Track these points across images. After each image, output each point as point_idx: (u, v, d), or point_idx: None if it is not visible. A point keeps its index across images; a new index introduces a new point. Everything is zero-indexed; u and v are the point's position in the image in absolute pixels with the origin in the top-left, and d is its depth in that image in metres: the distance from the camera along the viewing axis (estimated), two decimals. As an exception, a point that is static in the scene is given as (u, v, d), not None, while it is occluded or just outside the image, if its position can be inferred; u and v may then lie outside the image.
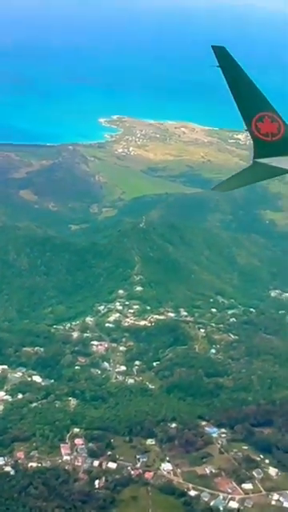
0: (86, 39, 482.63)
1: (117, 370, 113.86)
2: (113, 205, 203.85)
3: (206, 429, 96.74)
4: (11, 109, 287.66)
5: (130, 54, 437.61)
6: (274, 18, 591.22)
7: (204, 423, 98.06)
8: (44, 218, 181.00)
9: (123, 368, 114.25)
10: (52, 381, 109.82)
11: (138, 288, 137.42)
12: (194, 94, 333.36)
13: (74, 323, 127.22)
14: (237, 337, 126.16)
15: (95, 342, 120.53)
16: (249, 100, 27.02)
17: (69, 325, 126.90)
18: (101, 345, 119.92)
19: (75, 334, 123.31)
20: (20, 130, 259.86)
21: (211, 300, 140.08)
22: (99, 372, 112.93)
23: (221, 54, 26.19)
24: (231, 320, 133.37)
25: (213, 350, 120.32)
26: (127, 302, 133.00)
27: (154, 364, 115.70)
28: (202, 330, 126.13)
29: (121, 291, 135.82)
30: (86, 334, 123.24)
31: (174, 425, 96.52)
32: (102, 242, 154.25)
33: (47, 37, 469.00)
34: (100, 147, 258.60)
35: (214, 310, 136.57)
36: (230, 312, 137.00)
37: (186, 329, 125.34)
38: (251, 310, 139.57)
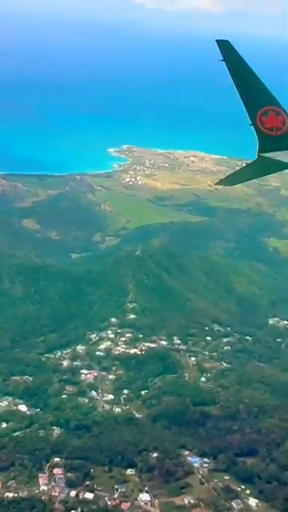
0: (95, 70, 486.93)
1: (104, 398, 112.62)
2: (116, 234, 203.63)
3: (188, 458, 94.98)
4: (21, 139, 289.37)
5: (139, 84, 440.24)
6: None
7: (186, 453, 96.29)
8: (45, 247, 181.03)
9: (111, 397, 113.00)
10: (38, 410, 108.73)
11: (132, 316, 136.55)
12: (203, 123, 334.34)
13: (64, 352, 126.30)
14: (229, 365, 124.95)
15: (84, 371, 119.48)
16: (253, 94, 27.00)
17: (59, 353, 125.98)
18: (90, 373, 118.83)
19: (65, 363, 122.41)
20: (29, 160, 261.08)
21: (206, 328, 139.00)
22: (86, 401, 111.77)
23: (225, 47, 26.34)
24: (225, 348, 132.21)
25: (203, 379, 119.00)
26: (119, 330, 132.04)
27: (142, 393, 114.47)
28: (193, 359, 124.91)
29: (113, 319, 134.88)
30: (75, 363, 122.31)
31: (155, 454, 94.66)
32: (97, 270, 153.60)
33: (57, 68, 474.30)
34: (108, 177, 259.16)
35: (208, 338, 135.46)
36: (225, 340, 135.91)
37: (177, 357, 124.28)
38: (247, 338, 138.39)
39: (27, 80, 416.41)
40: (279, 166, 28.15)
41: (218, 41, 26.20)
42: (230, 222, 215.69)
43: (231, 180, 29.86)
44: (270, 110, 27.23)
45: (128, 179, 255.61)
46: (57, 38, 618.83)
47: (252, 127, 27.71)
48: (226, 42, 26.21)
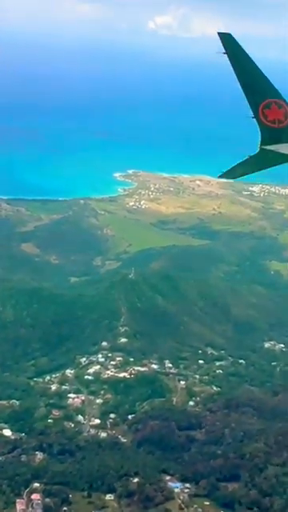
0: (104, 95, 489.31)
1: (91, 423, 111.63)
2: (117, 257, 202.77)
3: (170, 483, 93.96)
4: (26, 164, 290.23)
5: (148, 109, 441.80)
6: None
7: (168, 478, 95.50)
8: (43, 271, 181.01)
9: (97, 421, 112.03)
10: (22, 434, 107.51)
11: (123, 339, 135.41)
12: (210, 148, 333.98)
13: (54, 376, 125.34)
14: (219, 389, 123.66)
15: (72, 395, 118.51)
16: (256, 87, 26.91)
17: (48, 377, 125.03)
18: (77, 397, 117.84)
19: (54, 387, 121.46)
20: (34, 185, 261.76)
21: (200, 351, 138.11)
22: (72, 425, 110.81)
23: (227, 40, 26.19)
24: (217, 372, 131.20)
25: (191, 403, 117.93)
26: (110, 354, 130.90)
27: (129, 417, 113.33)
28: (183, 382, 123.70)
29: (104, 343, 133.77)
30: (64, 387, 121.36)
31: (136, 479, 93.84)
32: (91, 293, 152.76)
33: (66, 93, 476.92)
34: (111, 201, 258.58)
35: (201, 361, 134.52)
36: (217, 363, 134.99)
37: (165, 381, 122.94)
38: (240, 361, 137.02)
39: (34, 105, 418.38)
40: (281, 159, 28.19)
41: (219, 33, 26.04)
42: (233, 245, 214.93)
43: (234, 173, 29.48)
44: (272, 103, 27.10)
45: (132, 203, 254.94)
46: (68, 63, 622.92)
47: (254, 120, 27.52)
48: (228, 34, 26.09)
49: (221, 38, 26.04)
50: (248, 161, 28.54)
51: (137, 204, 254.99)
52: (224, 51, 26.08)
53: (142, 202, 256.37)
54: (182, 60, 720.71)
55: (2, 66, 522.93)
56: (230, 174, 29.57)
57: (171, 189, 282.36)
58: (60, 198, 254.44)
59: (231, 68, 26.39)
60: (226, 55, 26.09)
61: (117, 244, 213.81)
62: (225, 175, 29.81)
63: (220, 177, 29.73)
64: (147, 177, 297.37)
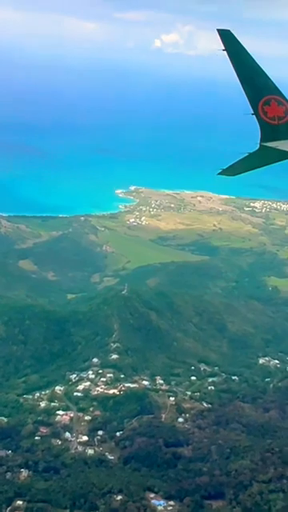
0: (107, 112, 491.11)
1: (78, 440, 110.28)
2: (115, 274, 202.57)
3: (153, 501, 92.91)
4: (28, 181, 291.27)
5: (150, 126, 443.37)
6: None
7: (152, 495, 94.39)
8: (40, 288, 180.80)
9: (85, 438, 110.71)
10: (9, 452, 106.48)
11: (114, 356, 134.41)
12: (212, 164, 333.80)
13: (43, 392, 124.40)
14: (210, 405, 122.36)
15: (60, 412, 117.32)
16: (255, 83, 26.99)
17: (38, 394, 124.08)
18: (66, 414, 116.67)
19: (43, 404, 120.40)
20: (34, 202, 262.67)
21: (192, 368, 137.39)
22: (59, 442, 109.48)
23: (226, 37, 26.23)
24: (209, 388, 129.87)
25: (180, 419, 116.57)
26: (100, 371, 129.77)
27: (117, 434, 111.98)
28: (172, 399, 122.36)
29: (95, 359, 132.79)
30: (53, 404, 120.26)
31: (119, 497, 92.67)
32: (84, 309, 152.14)
33: (70, 111, 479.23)
34: (112, 217, 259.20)
35: (193, 378, 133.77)
36: (210, 380, 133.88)
37: (155, 397, 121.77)
38: (234, 377, 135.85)
39: (36, 122, 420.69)
40: (281, 156, 28.18)
41: (219, 30, 26.08)
42: (232, 261, 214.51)
43: (234, 170, 29.57)
44: (272, 100, 27.15)
45: (132, 220, 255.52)
46: (72, 81, 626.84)
47: (254, 117, 27.78)
48: (228, 31, 26.09)
49: (220, 35, 26.15)
50: (248, 158, 28.73)
51: (137, 220, 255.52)
52: (223, 48, 26.18)
53: (142, 219, 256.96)
54: (186, 77, 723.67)
55: (5, 83, 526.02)
56: (230, 171, 29.67)
57: (172, 205, 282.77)
58: (61, 215, 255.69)
59: (231, 66, 26.62)
60: (225, 52, 26.27)
61: (116, 260, 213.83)
62: (224, 172, 30.00)
63: (220, 174, 29.69)
64: (149, 193, 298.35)
